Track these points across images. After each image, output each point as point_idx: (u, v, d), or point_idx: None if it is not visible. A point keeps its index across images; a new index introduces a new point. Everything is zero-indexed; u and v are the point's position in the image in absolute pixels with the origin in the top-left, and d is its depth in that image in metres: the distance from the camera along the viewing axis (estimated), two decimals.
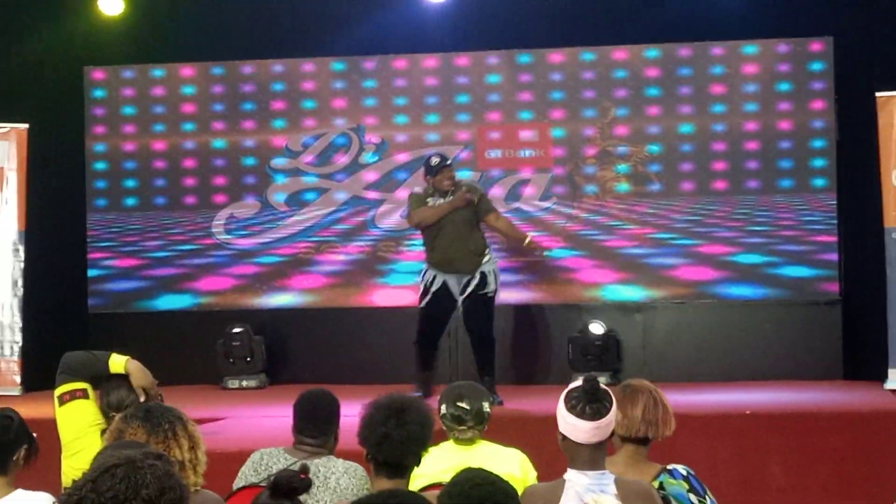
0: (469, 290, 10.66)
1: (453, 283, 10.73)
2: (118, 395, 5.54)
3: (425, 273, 10.92)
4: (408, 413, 4.81)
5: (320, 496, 5.40)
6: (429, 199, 10.86)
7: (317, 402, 5.81)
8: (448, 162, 10.97)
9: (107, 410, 5.49)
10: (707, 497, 5.08)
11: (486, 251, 10.80)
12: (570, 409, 4.39)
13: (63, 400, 5.53)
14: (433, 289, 10.78)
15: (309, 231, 13.50)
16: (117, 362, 5.58)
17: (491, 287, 10.66)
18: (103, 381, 5.61)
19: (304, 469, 4.04)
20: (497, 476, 3.86)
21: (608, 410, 4.40)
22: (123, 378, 5.57)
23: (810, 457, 9.36)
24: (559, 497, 4.41)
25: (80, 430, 5.46)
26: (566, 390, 4.47)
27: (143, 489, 2.67)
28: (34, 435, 5.24)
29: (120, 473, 2.67)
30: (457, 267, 10.71)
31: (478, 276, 10.65)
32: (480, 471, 3.89)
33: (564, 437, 4.45)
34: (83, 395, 5.58)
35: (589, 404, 4.37)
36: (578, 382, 4.48)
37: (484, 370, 10.67)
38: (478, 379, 9.69)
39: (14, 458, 4.94)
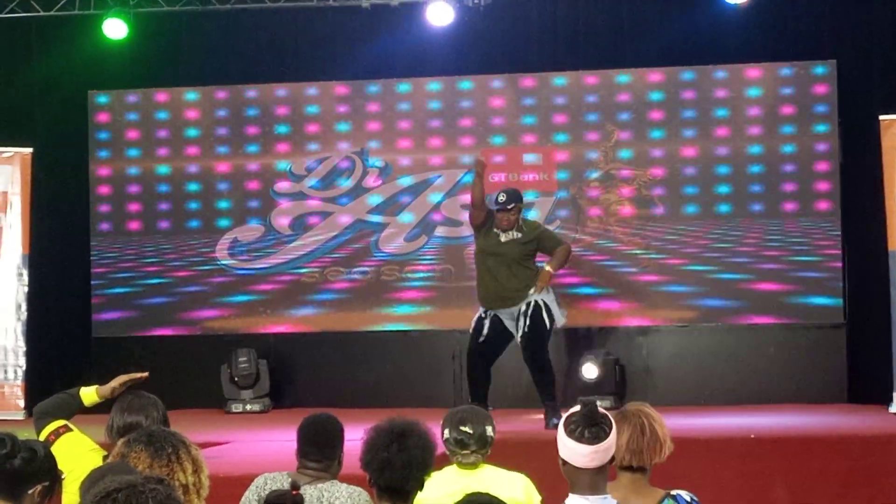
0: (520, 323, 10.63)
1: (506, 317, 10.73)
2: (123, 420, 5.56)
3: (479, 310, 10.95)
4: (409, 438, 4.79)
5: None
6: (494, 229, 10.82)
7: (320, 427, 5.78)
8: (508, 206, 10.68)
9: (114, 436, 5.51)
10: None
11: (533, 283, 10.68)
12: (570, 433, 4.37)
13: (49, 442, 5.67)
14: (480, 326, 10.79)
15: (312, 255, 13.50)
16: (88, 393, 5.82)
17: (538, 317, 10.60)
18: (115, 402, 5.73)
19: (295, 485, 4.03)
20: (500, 500, 3.84)
21: (607, 435, 4.38)
22: (135, 399, 5.67)
23: (815, 480, 9.33)
24: None
25: (74, 460, 5.50)
26: (566, 415, 4.45)
27: None
28: (61, 475, 5.22)
29: (121, 498, 2.66)
30: (501, 301, 10.71)
31: (523, 306, 10.62)
32: (484, 495, 3.88)
33: (565, 462, 4.43)
34: (66, 430, 5.78)
35: (588, 428, 4.35)
36: (578, 407, 4.46)
37: (542, 397, 10.71)
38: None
39: (30, 491, 4.93)
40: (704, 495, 5.24)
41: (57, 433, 5.76)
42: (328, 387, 13.04)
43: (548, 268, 10.74)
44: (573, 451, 4.36)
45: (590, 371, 12.36)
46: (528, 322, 10.61)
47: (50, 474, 4.94)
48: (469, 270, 12.93)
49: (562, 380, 12.40)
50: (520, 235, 10.75)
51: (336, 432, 5.77)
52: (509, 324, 10.75)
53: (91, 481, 4.39)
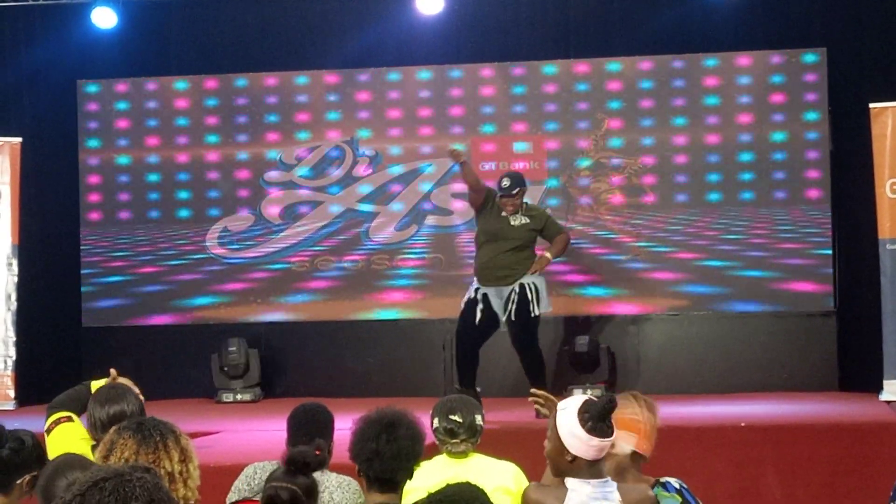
0: (510, 307, 10.63)
1: (495, 297, 10.73)
2: (105, 412, 5.58)
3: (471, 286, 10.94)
4: (398, 428, 4.79)
5: None
6: (502, 213, 10.82)
7: (311, 416, 5.79)
8: (513, 191, 10.73)
9: (98, 431, 5.53)
10: None
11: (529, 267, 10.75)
12: (586, 426, 4.39)
13: (49, 430, 5.79)
14: (472, 309, 10.75)
15: (303, 244, 13.48)
16: (98, 384, 5.96)
17: (530, 302, 10.61)
18: (91, 399, 5.81)
19: (319, 445, 4.02)
20: (479, 489, 3.83)
21: (614, 426, 4.47)
22: (111, 390, 5.73)
23: (805, 468, 9.34)
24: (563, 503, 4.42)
25: (65, 448, 5.53)
26: (579, 407, 4.45)
27: (133, 502, 2.65)
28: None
29: (109, 487, 2.65)
30: (496, 279, 10.71)
31: (517, 287, 10.63)
32: (463, 484, 3.86)
33: (568, 452, 4.43)
34: (66, 419, 5.92)
35: (604, 422, 4.39)
36: (582, 397, 4.49)
37: (533, 385, 10.66)
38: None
39: (19, 481, 4.94)
40: (695, 483, 5.24)
41: (58, 421, 5.88)
42: (318, 376, 13.03)
43: (547, 254, 10.83)
44: (586, 444, 4.38)
45: (581, 344, 12.38)
46: (515, 306, 10.61)
47: (38, 464, 4.94)
48: (459, 259, 12.95)
49: (552, 368, 12.41)
50: (529, 221, 10.83)
51: (326, 422, 5.78)
52: (497, 304, 10.73)
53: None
